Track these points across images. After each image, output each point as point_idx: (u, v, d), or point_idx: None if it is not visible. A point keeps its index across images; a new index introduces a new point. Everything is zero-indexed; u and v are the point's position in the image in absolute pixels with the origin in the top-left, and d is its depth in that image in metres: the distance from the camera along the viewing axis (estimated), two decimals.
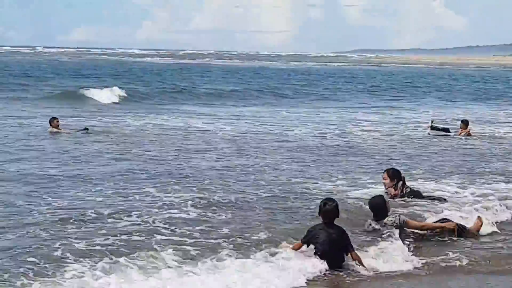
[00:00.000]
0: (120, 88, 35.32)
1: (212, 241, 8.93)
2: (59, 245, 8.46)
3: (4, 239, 8.75)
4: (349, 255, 8.33)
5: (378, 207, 9.68)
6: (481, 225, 9.98)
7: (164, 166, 14.26)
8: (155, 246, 8.52)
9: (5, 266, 7.67)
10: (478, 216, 10.21)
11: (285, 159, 15.76)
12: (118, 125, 21.82)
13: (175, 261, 8.07)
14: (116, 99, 33.08)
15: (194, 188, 12.00)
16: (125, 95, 34.24)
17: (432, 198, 11.89)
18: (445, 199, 11.89)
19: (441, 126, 22.04)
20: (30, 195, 11.23)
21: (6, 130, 19.51)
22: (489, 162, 16.17)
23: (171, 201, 10.99)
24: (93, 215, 9.96)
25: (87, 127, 19.88)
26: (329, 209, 8.45)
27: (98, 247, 8.42)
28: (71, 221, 9.61)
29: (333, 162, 15.56)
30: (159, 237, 8.98)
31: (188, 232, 9.26)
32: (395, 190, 11.51)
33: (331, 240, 8.28)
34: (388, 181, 11.50)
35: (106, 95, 33.39)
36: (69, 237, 8.80)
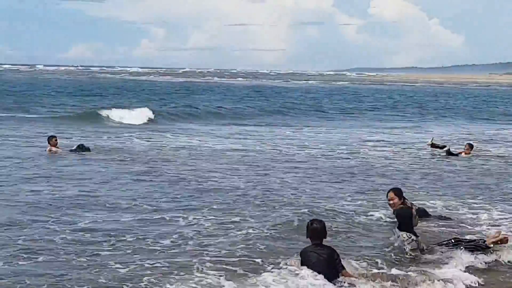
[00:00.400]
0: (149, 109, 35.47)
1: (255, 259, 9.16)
2: (101, 270, 8.56)
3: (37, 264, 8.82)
4: (341, 274, 8.28)
5: (405, 214, 9.94)
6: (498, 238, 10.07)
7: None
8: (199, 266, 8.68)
9: None
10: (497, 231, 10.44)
11: (301, 178, 16.14)
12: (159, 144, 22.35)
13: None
14: (146, 119, 33.13)
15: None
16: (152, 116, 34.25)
17: (439, 217, 12.18)
18: (450, 218, 12.20)
19: (440, 144, 22.44)
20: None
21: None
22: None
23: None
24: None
25: (83, 145, 19.77)
26: (317, 228, 8.42)
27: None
28: (105, 243, 9.81)
29: (350, 182, 15.86)
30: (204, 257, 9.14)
31: (231, 252, 9.45)
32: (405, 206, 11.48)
33: (321, 261, 8.28)
34: (396, 200, 11.53)
35: (137, 115, 33.66)
36: (109, 262, 8.91)
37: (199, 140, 24.28)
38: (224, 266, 8.83)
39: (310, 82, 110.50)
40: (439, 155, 21.32)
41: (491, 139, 27.67)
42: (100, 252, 9.37)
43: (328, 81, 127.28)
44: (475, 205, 13.55)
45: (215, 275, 8.44)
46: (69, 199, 12.85)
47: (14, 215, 11.28)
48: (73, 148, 19.51)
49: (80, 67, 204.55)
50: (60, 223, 10.97)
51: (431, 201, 13.61)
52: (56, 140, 19.41)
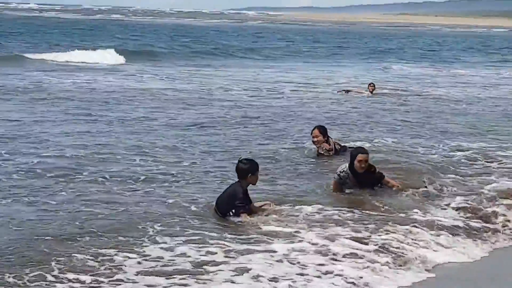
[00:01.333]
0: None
1: None
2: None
3: None
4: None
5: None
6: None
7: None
8: None
9: None
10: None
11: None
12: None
13: None
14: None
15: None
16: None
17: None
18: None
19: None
20: None
21: None
22: None
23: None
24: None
25: None
26: (237, 166, 8.37)
27: None
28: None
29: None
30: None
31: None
32: (329, 145, 11.73)
33: (223, 194, 8.37)
34: (320, 137, 11.70)
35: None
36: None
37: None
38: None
39: (222, 20, 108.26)
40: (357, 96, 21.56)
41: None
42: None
43: (240, 20, 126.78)
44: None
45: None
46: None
47: None
48: None
49: None
50: None
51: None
52: None
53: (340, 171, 9.33)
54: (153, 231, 7.71)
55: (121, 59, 32.90)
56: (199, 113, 16.84)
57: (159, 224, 7.93)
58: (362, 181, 9.19)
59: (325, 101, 19.95)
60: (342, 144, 12.00)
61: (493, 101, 21.51)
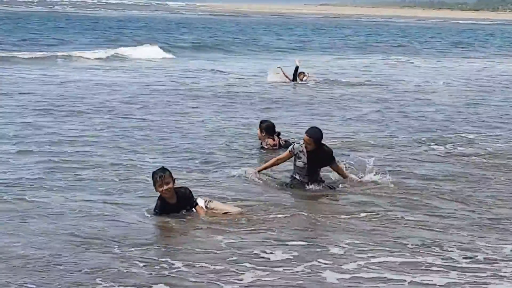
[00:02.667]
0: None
1: None
2: None
3: None
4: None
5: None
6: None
7: None
8: None
9: None
10: None
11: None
12: None
13: None
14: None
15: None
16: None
17: None
18: None
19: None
20: None
21: None
22: None
23: None
24: None
25: None
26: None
27: None
28: None
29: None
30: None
31: None
32: (273, 141, 11.92)
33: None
34: (258, 132, 12.03)
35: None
36: None
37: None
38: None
39: (133, 12, 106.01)
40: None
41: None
42: None
43: (161, 11, 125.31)
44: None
45: None
46: None
47: None
48: None
49: None
50: None
51: None
52: None
53: (296, 143, 9.84)
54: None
55: (169, 55, 32.96)
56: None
57: None
58: (312, 158, 9.60)
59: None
60: (286, 139, 12.08)
61: None
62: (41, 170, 10.07)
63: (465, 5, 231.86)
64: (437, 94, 21.20)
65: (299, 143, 9.73)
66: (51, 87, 19.85)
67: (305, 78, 22.53)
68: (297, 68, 22.46)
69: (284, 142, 11.81)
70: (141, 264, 6.62)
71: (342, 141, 12.96)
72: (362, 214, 8.44)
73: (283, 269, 6.62)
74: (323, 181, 9.73)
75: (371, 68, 30.02)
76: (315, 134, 9.52)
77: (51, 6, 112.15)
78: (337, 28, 72.16)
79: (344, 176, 9.91)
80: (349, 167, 10.28)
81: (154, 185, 8.00)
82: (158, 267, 6.58)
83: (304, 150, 9.57)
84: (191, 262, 6.69)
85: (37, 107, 15.96)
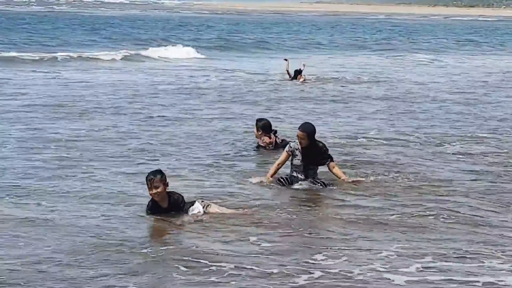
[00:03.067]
0: None
1: None
2: None
3: None
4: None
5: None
6: None
7: None
8: None
9: None
10: None
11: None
12: None
13: None
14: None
15: None
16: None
17: None
18: None
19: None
20: None
21: None
22: None
23: None
24: None
25: None
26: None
27: None
28: None
29: None
30: None
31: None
32: (269, 138, 11.97)
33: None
34: (255, 130, 12.09)
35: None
36: None
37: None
38: None
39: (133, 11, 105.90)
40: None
41: None
42: None
43: (161, 9, 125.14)
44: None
45: None
46: None
47: None
48: None
49: None
50: None
51: None
52: None
53: (292, 142, 9.92)
54: None
55: (199, 55, 32.93)
56: None
57: None
58: (307, 155, 9.65)
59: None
60: (283, 138, 12.11)
61: None
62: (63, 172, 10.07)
63: (460, 2, 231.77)
64: (450, 92, 21.21)
65: (294, 141, 9.84)
66: (106, 88, 19.83)
67: (301, 79, 22.62)
68: (300, 70, 22.75)
69: (281, 141, 11.88)
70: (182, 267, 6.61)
71: (352, 139, 13.06)
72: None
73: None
74: (321, 180, 9.71)
75: (398, 67, 29.92)
76: (307, 129, 9.61)
77: (51, 7, 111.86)
78: (347, 26, 71.47)
79: (342, 178, 9.86)
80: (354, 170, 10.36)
81: (147, 186, 8.03)
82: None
83: (300, 148, 9.62)
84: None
85: (108, 109, 16.06)
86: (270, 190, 9.52)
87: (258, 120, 12.16)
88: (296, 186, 9.64)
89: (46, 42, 36.54)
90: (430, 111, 17.03)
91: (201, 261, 6.71)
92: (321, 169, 9.90)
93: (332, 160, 9.85)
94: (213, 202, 8.40)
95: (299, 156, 9.67)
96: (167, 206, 8.06)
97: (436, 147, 12.65)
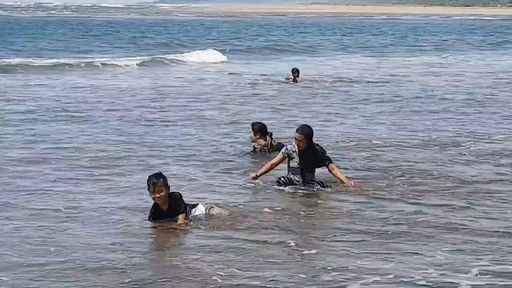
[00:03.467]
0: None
1: None
2: None
3: None
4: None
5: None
6: None
7: None
8: None
9: None
10: None
11: None
12: None
13: None
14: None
15: None
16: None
17: None
18: None
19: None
20: None
21: None
22: None
23: None
24: None
25: None
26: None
27: None
28: None
29: None
30: None
31: None
32: (265, 141, 11.89)
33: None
34: (252, 134, 11.97)
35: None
36: None
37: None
38: None
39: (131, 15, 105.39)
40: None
41: None
42: None
43: (161, 13, 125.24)
44: None
45: None
46: None
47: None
48: None
49: None
50: None
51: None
52: None
53: (289, 144, 9.82)
54: None
55: (223, 58, 33.05)
56: None
57: None
58: (305, 157, 9.58)
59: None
60: (279, 141, 11.99)
61: None
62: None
63: (456, 1, 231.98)
64: (459, 91, 21.09)
65: (291, 143, 9.75)
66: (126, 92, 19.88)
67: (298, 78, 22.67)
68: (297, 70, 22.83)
69: (277, 144, 11.82)
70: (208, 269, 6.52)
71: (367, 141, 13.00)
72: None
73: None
74: (319, 182, 9.60)
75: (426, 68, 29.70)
76: (305, 130, 9.53)
77: (52, 11, 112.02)
78: (356, 28, 71.39)
79: (341, 180, 9.71)
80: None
81: (148, 190, 7.88)
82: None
83: (297, 150, 9.52)
84: None
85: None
86: (274, 192, 9.40)
87: (254, 124, 12.10)
88: (296, 187, 9.50)
89: (79, 48, 37.34)
90: (441, 112, 16.93)
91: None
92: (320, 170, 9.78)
93: (331, 161, 9.78)
94: (216, 205, 8.30)
95: (297, 159, 9.60)
96: (167, 208, 7.92)
97: (453, 147, 12.55)
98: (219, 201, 8.69)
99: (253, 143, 11.96)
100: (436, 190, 9.51)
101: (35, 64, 27.02)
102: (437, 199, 9.04)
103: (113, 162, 11.00)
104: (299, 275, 6.38)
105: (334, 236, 7.52)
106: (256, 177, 9.70)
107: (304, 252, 7.01)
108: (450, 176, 10.30)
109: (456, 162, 11.34)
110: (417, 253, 7.01)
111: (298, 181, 9.56)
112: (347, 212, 8.45)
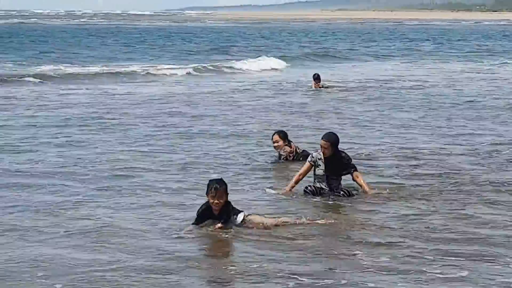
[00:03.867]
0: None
1: None
2: None
3: None
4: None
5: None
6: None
7: None
8: None
9: None
10: None
11: None
12: None
13: None
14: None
15: None
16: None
17: None
18: None
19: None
20: None
21: None
22: None
23: None
24: None
25: None
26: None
27: None
28: None
29: None
30: None
31: None
32: (290, 148, 11.77)
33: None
34: (281, 142, 11.77)
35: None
36: None
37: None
38: None
39: (168, 23, 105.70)
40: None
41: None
42: None
43: (189, 20, 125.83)
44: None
45: None
46: None
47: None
48: None
49: None
50: None
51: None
52: None
53: (314, 152, 9.73)
54: None
55: (283, 64, 33.13)
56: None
57: None
58: (330, 164, 9.50)
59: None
60: (303, 149, 11.90)
61: None
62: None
63: (484, 6, 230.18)
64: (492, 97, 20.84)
65: (316, 151, 9.66)
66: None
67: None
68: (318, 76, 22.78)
69: (302, 151, 11.73)
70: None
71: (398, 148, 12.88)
72: None
73: None
74: (346, 190, 9.47)
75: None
76: (330, 138, 9.48)
77: (84, 19, 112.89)
78: (406, 33, 70.80)
79: (365, 190, 9.56)
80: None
81: (207, 193, 7.85)
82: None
83: (323, 157, 9.49)
84: None
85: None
86: (306, 201, 9.30)
87: (280, 132, 11.97)
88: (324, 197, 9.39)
89: (125, 56, 37.92)
90: (474, 118, 16.72)
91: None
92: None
93: (356, 169, 9.66)
94: (256, 214, 8.23)
95: (322, 166, 9.52)
96: (217, 214, 7.88)
97: (491, 153, 12.37)
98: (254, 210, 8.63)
99: (279, 151, 11.82)
100: (483, 200, 9.32)
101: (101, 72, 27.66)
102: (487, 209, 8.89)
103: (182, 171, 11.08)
104: None
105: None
106: (290, 191, 9.62)
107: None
108: (495, 183, 10.15)
109: (504, 170, 11.15)
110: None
111: (324, 189, 9.48)
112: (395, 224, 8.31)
